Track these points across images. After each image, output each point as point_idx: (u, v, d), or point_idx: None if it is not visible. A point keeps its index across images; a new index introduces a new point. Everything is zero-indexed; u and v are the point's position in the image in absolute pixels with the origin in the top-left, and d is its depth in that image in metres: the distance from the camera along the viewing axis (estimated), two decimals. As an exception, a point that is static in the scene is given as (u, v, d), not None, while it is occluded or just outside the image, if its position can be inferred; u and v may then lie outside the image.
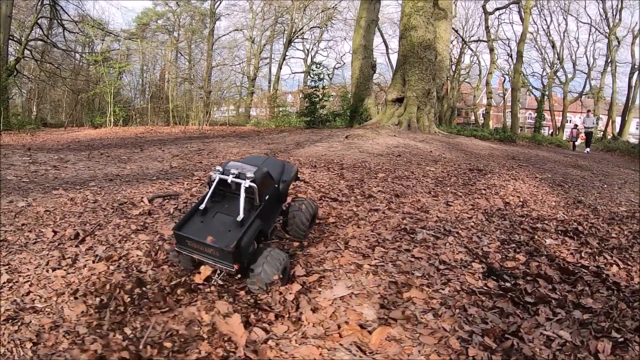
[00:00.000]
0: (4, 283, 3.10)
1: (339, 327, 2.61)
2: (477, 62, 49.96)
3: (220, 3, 43.15)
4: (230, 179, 3.03)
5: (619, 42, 42.00)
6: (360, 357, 2.35)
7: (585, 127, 23.89)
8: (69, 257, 3.50)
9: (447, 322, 2.64)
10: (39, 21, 29.32)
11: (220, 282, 3.10)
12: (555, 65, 46.81)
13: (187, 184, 6.16)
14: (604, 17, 41.97)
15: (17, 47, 28.54)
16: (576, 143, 26.05)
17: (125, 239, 3.91)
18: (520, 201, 6.29)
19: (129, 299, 2.76)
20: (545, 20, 46.97)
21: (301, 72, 48.69)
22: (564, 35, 46.46)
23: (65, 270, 3.29)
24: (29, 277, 3.19)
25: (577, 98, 47.40)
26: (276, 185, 3.48)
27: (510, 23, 50.60)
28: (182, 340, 2.42)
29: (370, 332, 2.54)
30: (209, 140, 14.28)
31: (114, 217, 4.54)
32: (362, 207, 5.24)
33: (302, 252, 3.79)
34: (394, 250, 3.84)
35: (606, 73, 43.57)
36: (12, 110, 29.20)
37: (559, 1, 43.28)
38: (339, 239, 4.10)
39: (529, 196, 6.77)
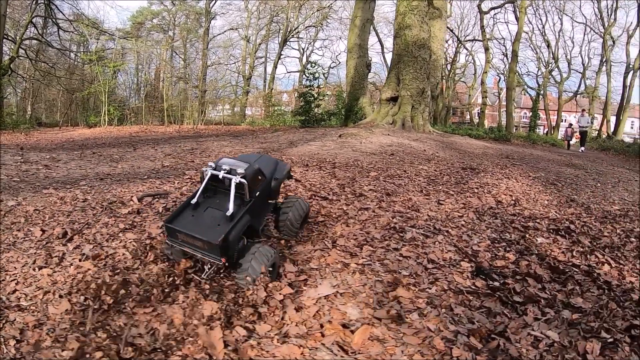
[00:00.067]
0: (-10, 281, 3.07)
1: (322, 326, 2.58)
2: (473, 61, 50.01)
3: (215, 2, 42.96)
4: (221, 174, 3.10)
5: (614, 42, 42.06)
6: (342, 357, 2.32)
7: (580, 127, 23.90)
8: (55, 256, 3.49)
9: (432, 321, 2.61)
10: (34, 20, 29.13)
11: (204, 278, 3.12)
12: (550, 65, 46.87)
13: (178, 183, 6.10)
14: (599, 16, 42.00)
15: (12, 46, 28.35)
16: (571, 142, 26.03)
17: (112, 238, 3.89)
18: (512, 200, 6.25)
19: (113, 298, 2.78)
20: (541, 19, 47.30)
21: (296, 71, 48.63)
22: (559, 35, 46.32)
23: (51, 268, 3.28)
24: (16, 276, 3.18)
25: (572, 97, 47.49)
26: (268, 183, 3.51)
27: (505, 22, 50.26)
28: (164, 339, 2.41)
29: (352, 332, 2.51)
30: (203, 140, 14.23)
31: (102, 216, 4.49)
32: (352, 205, 5.20)
33: (289, 251, 3.76)
34: (382, 249, 3.80)
35: (601, 72, 43.61)
36: (7, 110, 29.00)
37: (554, 1, 43.36)
38: (327, 237, 4.07)
39: (522, 195, 6.74)
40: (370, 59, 24.10)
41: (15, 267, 3.31)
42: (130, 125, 29.07)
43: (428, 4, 17.74)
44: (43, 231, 4.02)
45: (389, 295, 2.94)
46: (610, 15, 41.01)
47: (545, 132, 46.22)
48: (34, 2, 28.11)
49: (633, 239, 4.76)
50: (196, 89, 36.33)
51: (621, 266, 3.86)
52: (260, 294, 2.86)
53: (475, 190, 6.64)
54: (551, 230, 4.84)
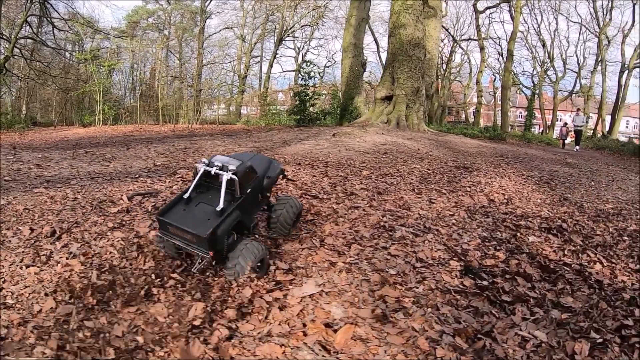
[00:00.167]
0: (-23, 281, 3.07)
1: (304, 325, 2.57)
2: (468, 60, 50.08)
3: (210, 1, 42.96)
4: (213, 170, 3.17)
5: (609, 41, 42.15)
6: (324, 356, 2.30)
7: (575, 126, 23.92)
8: (43, 255, 3.50)
9: (417, 321, 2.57)
10: (29, 19, 28.92)
11: (194, 271, 3.20)
12: (545, 64, 46.93)
13: (169, 182, 6.07)
14: (594, 16, 42.11)
15: (6, 46, 28.16)
16: (566, 141, 26.06)
17: (101, 237, 3.89)
18: (505, 199, 6.22)
19: (98, 296, 2.79)
20: (536, 19, 47.03)
21: (292, 71, 48.58)
22: (554, 35, 46.41)
23: (38, 267, 3.29)
24: (3, 274, 3.18)
25: (568, 97, 47.57)
26: (260, 181, 3.55)
27: (500, 22, 50.73)
28: (146, 338, 2.42)
29: (335, 331, 2.48)
30: (197, 139, 14.18)
31: (92, 214, 4.47)
32: (343, 204, 5.16)
33: (276, 249, 3.76)
34: (371, 248, 3.77)
35: (596, 72, 43.66)
36: (1, 109, 28.93)
37: (550, 0, 43.41)
38: (315, 236, 4.04)
39: (514, 193, 6.71)
40: (365, 58, 24.10)
41: (2, 266, 3.31)
42: (125, 124, 29.01)
43: (423, 3, 17.73)
44: (32, 230, 4.01)
45: (374, 295, 2.91)
46: (606, 15, 41.15)
47: (540, 131, 46.21)
48: (29, 1, 27.93)
49: (626, 238, 4.75)
50: (191, 88, 36.28)
51: (613, 265, 3.83)
52: (246, 293, 2.87)
53: (468, 189, 6.60)
54: (543, 229, 4.81)
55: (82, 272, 3.16)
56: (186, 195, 3.19)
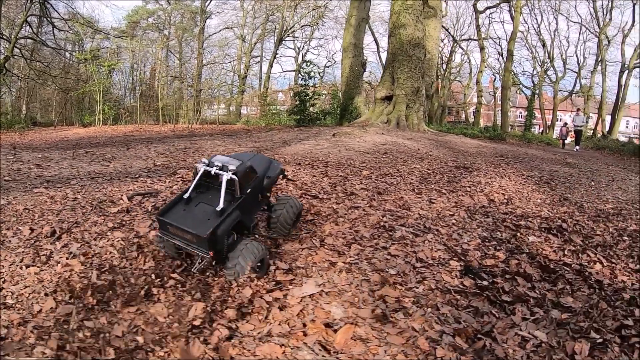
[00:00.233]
0: (-22, 281, 3.07)
1: (304, 325, 2.56)
2: (468, 60, 50.04)
3: (210, 1, 42.91)
4: (213, 170, 3.18)
5: (609, 42, 42.12)
6: (324, 356, 2.30)
7: (575, 126, 23.90)
8: (43, 255, 3.50)
9: (417, 321, 2.57)
10: (29, 19, 28.87)
11: (194, 271, 3.21)
12: (545, 64, 46.89)
13: (169, 182, 6.06)
14: (594, 16, 42.08)
15: (6, 46, 28.12)
16: (566, 141, 26.03)
17: (100, 237, 3.88)
18: (505, 198, 6.22)
19: (98, 296, 2.79)
20: (536, 19, 47.00)
21: (292, 71, 48.55)
22: (554, 35, 46.37)
23: (38, 267, 3.29)
24: (3, 274, 3.18)
25: (568, 97, 47.54)
26: (260, 181, 3.56)
27: (500, 22, 50.73)
28: (146, 338, 2.42)
29: (335, 331, 2.48)
30: (197, 139, 14.17)
31: (92, 214, 4.47)
32: (343, 204, 5.15)
33: (276, 250, 3.75)
34: (371, 248, 3.77)
35: (596, 72, 43.63)
36: (2, 109, 28.91)
37: (550, 0, 43.38)
38: (315, 236, 4.04)
39: (514, 193, 6.70)
40: (365, 58, 24.09)
41: (2, 266, 3.31)
42: (125, 124, 28.99)
43: (423, 3, 17.72)
44: (32, 230, 4.01)
45: (374, 295, 2.91)
46: (606, 15, 41.12)
47: (540, 131, 46.18)
48: (29, 1, 27.91)
49: (626, 238, 4.74)
50: (191, 88, 36.25)
51: (613, 265, 3.83)
52: (246, 293, 2.87)
53: (468, 189, 6.60)
54: (543, 229, 4.80)
55: (82, 272, 3.15)
56: (186, 195, 3.19)
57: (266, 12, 43.96)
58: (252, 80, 46.98)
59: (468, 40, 46.70)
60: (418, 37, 17.07)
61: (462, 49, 48.07)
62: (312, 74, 25.86)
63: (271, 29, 45.63)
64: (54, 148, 12.12)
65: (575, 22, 45.55)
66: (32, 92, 35.54)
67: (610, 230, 5.06)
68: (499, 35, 51.73)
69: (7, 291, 2.94)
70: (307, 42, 48.67)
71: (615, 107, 39.92)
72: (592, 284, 3.32)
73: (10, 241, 3.77)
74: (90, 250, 3.58)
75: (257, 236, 3.85)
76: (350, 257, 3.57)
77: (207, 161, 3.27)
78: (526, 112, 39.15)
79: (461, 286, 3.12)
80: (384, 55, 41.71)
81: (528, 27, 45.52)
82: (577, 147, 22.76)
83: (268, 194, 3.79)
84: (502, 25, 57.88)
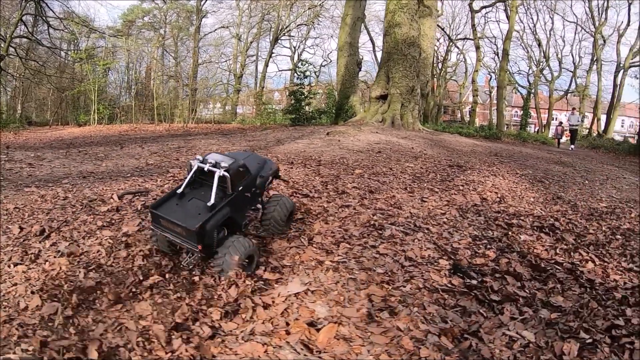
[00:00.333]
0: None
1: (288, 324, 2.55)
2: (464, 59, 50.11)
3: (206, 0, 42.83)
4: (207, 167, 3.27)
5: (604, 41, 42.21)
6: (306, 355, 2.28)
7: (570, 125, 23.90)
8: (32, 253, 3.49)
9: (402, 320, 2.54)
10: (24, 18, 28.82)
11: (184, 265, 3.28)
12: (541, 64, 46.96)
13: (160, 181, 6.03)
14: (589, 16, 42.11)
15: (1, 45, 28.08)
16: (561, 140, 26.06)
17: (89, 235, 3.87)
18: (497, 197, 6.19)
19: (85, 294, 2.80)
20: (532, 18, 47.32)
21: (288, 70, 48.53)
22: (550, 34, 46.39)
23: (26, 265, 3.29)
24: None
25: (563, 96, 47.62)
26: (253, 179, 3.61)
27: (496, 21, 50.76)
28: (129, 336, 2.42)
29: (318, 330, 2.45)
30: (191, 138, 14.15)
31: (81, 213, 4.44)
32: (334, 203, 5.12)
33: (264, 248, 3.74)
34: (360, 247, 3.74)
35: (592, 71, 43.76)
36: (-3, 109, 28.90)
37: (545, 0, 43.47)
38: (304, 235, 4.02)
39: (507, 192, 6.68)
40: (361, 57, 24.07)
41: (-9, 264, 3.29)
42: (120, 123, 28.93)
43: (418, 2, 17.72)
44: (21, 229, 3.99)
45: (360, 294, 2.88)
46: (601, 14, 41.21)
47: (536, 130, 46.26)
48: (24, 0, 27.87)
49: (619, 236, 4.74)
50: (187, 87, 36.20)
51: (605, 264, 3.81)
52: (231, 291, 2.88)
53: (461, 188, 6.57)
54: (535, 228, 4.79)
55: (70, 271, 3.14)
56: (179, 191, 3.27)
57: (262, 11, 43.92)
58: (248, 79, 46.98)
59: (464, 39, 46.86)
60: (413, 36, 17.07)
61: (458, 48, 48.18)
62: (307, 73, 25.89)
63: (267, 28, 45.62)
64: (48, 147, 12.09)
65: (570, 22, 46.07)
66: (27, 91, 35.51)
67: (604, 228, 5.05)
68: (495, 34, 52.20)
69: (-5, 289, 2.92)
70: (303, 41, 48.71)
71: (611, 106, 40.02)
72: (584, 283, 3.30)
73: (-1, 240, 3.74)
74: (79, 248, 3.56)
75: (246, 234, 3.83)
76: (338, 255, 3.54)
77: (201, 158, 3.33)
78: (522, 111, 39.21)
79: (449, 285, 3.08)
80: (379, 55, 41.77)
81: (524, 27, 45.63)
82: (572, 146, 22.78)
83: (258, 192, 3.79)
84: (498, 24, 58.34)
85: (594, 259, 3.88)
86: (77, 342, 2.29)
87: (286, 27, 44.92)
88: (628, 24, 39.73)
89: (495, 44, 45.92)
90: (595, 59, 42.25)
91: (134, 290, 2.91)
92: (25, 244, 3.68)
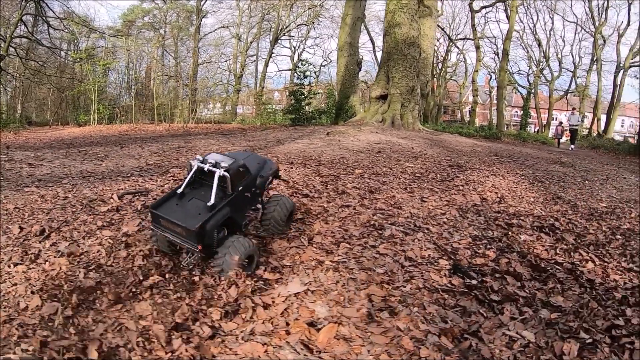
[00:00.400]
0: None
1: (288, 324, 2.55)
2: (464, 60, 50.11)
3: (206, 0, 42.82)
4: (207, 167, 3.28)
5: (604, 41, 42.20)
6: (306, 355, 2.28)
7: (570, 125, 23.89)
8: (32, 253, 3.49)
9: (402, 320, 2.53)
10: (24, 18, 28.80)
11: (184, 265, 3.29)
12: (541, 64, 46.94)
13: (160, 181, 6.03)
14: (589, 16, 42.10)
15: (1, 45, 28.06)
16: (561, 140, 26.05)
17: (89, 235, 3.86)
18: (497, 197, 6.19)
19: (85, 294, 2.80)
20: (532, 18, 47.31)
21: (288, 70, 48.52)
22: (550, 34, 46.37)
23: (26, 265, 3.29)
24: None
25: (563, 96, 47.60)
26: (253, 179, 3.62)
27: (496, 21, 50.75)
28: (129, 336, 2.42)
29: (318, 330, 2.45)
30: (191, 138, 14.15)
31: (81, 213, 4.44)
32: (334, 203, 5.11)
33: (263, 248, 3.73)
34: (360, 247, 3.74)
35: (592, 71, 43.75)
36: (-3, 109, 28.89)
37: (545, 0, 43.46)
38: (304, 235, 4.02)
39: (507, 192, 6.68)
40: (361, 57, 24.06)
41: (-9, 264, 3.29)
42: (120, 123, 28.91)
43: (418, 2, 17.71)
44: (21, 229, 3.99)
45: (360, 294, 2.88)
46: (601, 14, 41.20)
47: (536, 130, 46.25)
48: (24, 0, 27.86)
49: (619, 236, 4.73)
50: (187, 87, 36.18)
51: (605, 264, 3.81)
52: (231, 291, 2.87)
53: (461, 188, 6.57)
54: (535, 228, 4.78)
55: (70, 271, 3.14)
56: (179, 191, 3.28)
57: (262, 11, 43.90)
58: (248, 79, 46.97)
59: (464, 39, 46.85)
60: (413, 36, 17.07)
61: (458, 48, 48.17)
62: (307, 73, 25.87)
63: (267, 28, 45.60)
64: (48, 147, 12.09)
65: (570, 22, 46.09)
66: (27, 91, 35.49)
67: (604, 228, 5.05)
68: (495, 34, 52.19)
69: (-5, 289, 2.92)
70: (303, 41, 48.70)
71: (611, 106, 40.01)
72: (584, 283, 3.29)
73: (-1, 240, 3.75)
74: (79, 249, 3.56)
75: (246, 234, 3.84)
76: (338, 255, 3.54)
77: (201, 158, 3.34)
78: (522, 111, 39.20)
79: (449, 285, 3.08)
80: (379, 55, 41.75)
81: (524, 27, 45.62)
82: (572, 146, 22.76)
83: (258, 192, 3.80)
84: (498, 24, 58.34)
85: (594, 259, 3.88)
86: (77, 342, 2.29)
87: (286, 27, 44.92)
88: (628, 24, 39.76)
89: (495, 44, 45.97)
90: (595, 59, 42.25)
91: (134, 290, 2.90)
92: (25, 244, 3.67)
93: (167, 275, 3.14)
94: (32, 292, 2.84)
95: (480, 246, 4.00)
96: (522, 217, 5.17)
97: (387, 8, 17.87)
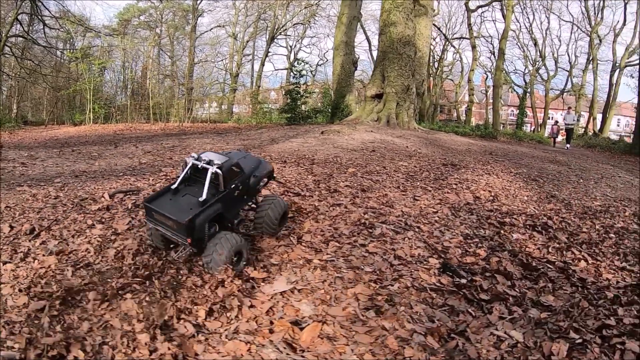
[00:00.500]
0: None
1: (272, 323, 2.53)
2: (460, 59, 50.24)
3: (202, -1, 42.83)
4: (201, 164, 3.33)
5: (600, 40, 42.36)
6: (288, 354, 2.26)
7: (566, 124, 23.93)
8: (21, 252, 3.48)
9: (388, 320, 2.50)
10: (19, 17, 28.73)
11: (175, 258, 3.33)
12: (537, 63, 47.06)
13: (153, 180, 6.01)
14: (585, 15, 42.30)
15: (-3, 44, 28.01)
16: (557, 139, 26.10)
17: (79, 234, 3.86)
18: (491, 196, 6.16)
19: (72, 292, 2.79)
20: (528, 18, 47.43)
21: (284, 69, 48.58)
22: (546, 33, 46.57)
23: (15, 264, 3.27)
24: None
25: (559, 95, 47.78)
26: (246, 178, 3.64)
27: (492, 21, 50.58)
28: (113, 334, 2.42)
29: (302, 329, 2.43)
30: (186, 137, 14.13)
31: (72, 212, 4.43)
32: (325, 202, 5.08)
33: (252, 246, 3.71)
34: (349, 245, 3.72)
35: (588, 71, 43.91)
36: (-8, 108, 28.80)
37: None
38: (293, 233, 3.99)
39: (501, 191, 6.65)
40: (357, 56, 24.10)
41: (-19, 263, 3.29)
42: (116, 123, 28.86)
43: (413, 2, 17.69)
44: (11, 227, 3.97)
45: (347, 293, 2.85)
46: (597, 14, 41.37)
47: (532, 129, 46.37)
48: (20, -1, 27.78)
49: (612, 235, 4.72)
50: (183, 86, 36.15)
51: (598, 263, 3.79)
52: (218, 290, 2.85)
53: (454, 186, 6.54)
54: (528, 226, 4.76)
55: (58, 269, 3.14)
56: (174, 186, 3.34)
57: (258, 10, 43.92)
58: (244, 78, 47.04)
59: (460, 38, 46.91)
60: (408, 35, 17.04)
61: (454, 47, 48.23)
62: (303, 72, 25.86)
63: (263, 27, 45.63)
64: (42, 147, 12.07)
65: (567, 21, 45.88)
66: (22, 90, 35.35)
67: (597, 227, 5.03)
68: (491, 33, 51.93)
69: (-17, 287, 2.91)
70: (299, 41, 48.76)
71: (607, 105, 40.16)
72: (575, 282, 3.27)
73: (-11, 239, 3.72)
74: (68, 247, 3.55)
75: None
76: (327, 254, 3.51)
77: (196, 156, 3.41)
78: (518, 111, 39.31)
79: (438, 284, 3.05)
80: (375, 54, 41.79)
81: (520, 26, 45.81)
82: (568, 145, 22.81)
83: (250, 191, 3.79)
84: (494, 23, 58.38)
85: (587, 258, 3.86)
86: (62, 340, 2.28)
87: (282, 26, 44.94)
88: (624, 24, 39.98)
89: (491, 43, 46.15)
90: (591, 58, 42.41)
91: (120, 288, 2.89)
92: (14, 242, 3.66)
93: (154, 274, 3.11)
94: (20, 290, 2.83)
95: (471, 245, 3.97)
96: (515, 216, 5.14)
97: (383, 7, 17.85)
